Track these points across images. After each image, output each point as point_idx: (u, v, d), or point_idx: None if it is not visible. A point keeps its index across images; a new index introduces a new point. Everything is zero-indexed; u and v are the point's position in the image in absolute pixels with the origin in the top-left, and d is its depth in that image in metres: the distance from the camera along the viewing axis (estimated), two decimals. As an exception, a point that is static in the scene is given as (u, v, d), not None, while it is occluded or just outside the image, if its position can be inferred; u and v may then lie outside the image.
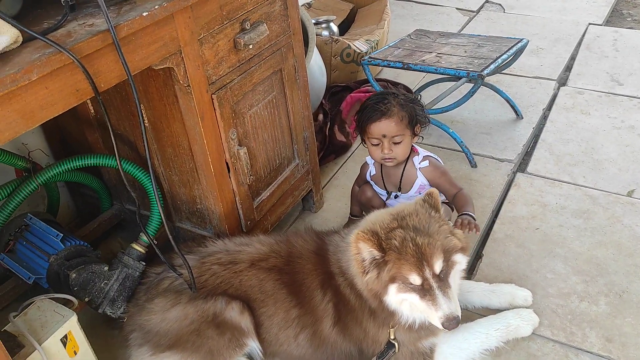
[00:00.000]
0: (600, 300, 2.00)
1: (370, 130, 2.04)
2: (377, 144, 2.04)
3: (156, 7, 1.44)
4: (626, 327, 1.90)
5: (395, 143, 2.02)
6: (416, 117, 2.05)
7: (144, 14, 1.42)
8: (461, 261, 1.63)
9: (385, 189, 2.20)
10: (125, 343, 1.87)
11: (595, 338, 1.87)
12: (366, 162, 2.25)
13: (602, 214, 2.37)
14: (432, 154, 2.17)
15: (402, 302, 1.61)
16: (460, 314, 1.56)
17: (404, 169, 2.12)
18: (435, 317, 1.56)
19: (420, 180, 2.11)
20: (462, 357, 1.82)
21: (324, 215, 2.55)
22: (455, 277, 1.63)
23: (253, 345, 1.80)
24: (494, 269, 2.16)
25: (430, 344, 1.77)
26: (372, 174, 2.22)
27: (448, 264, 1.58)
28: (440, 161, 2.18)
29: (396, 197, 2.18)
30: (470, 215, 1.90)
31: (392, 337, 1.73)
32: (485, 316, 1.91)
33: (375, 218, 1.66)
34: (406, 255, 1.53)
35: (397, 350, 1.74)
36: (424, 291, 1.55)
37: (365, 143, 2.13)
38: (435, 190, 1.67)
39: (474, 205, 1.99)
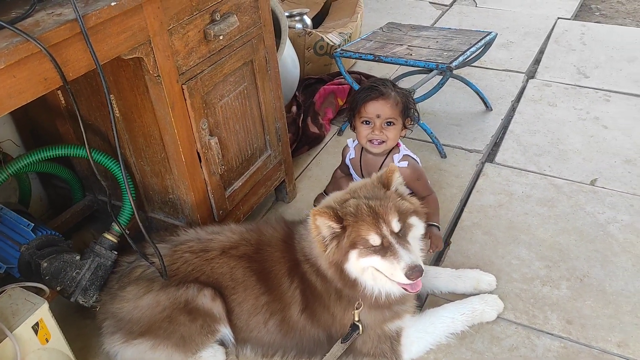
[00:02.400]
0: (562, 285, 2.08)
1: (366, 109, 2.06)
2: (369, 124, 2.07)
3: (124, -4, 1.46)
4: (586, 310, 1.98)
5: (388, 124, 2.05)
6: (409, 109, 2.10)
7: (112, 3, 1.43)
8: (417, 225, 1.69)
9: (362, 176, 2.22)
10: (98, 332, 1.89)
11: (556, 320, 1.95)
12: (347, 145, 2.28)
13: (566, 202, 2.45)
14: (412, 154, 2.18)
15: (364, 270, 1.65)
16: (422, 265, 1.60)
17: (383, 161, 2.15)
18: (398, 271, 1.58)
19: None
20: (429, 340, 1.87)
21: (297, 206, 2.58)
22: (415, 242, 1.68)
23: (225, 331, 1.84)
24: (461, 255, 2.22)
25: (397, 328, 1.83)
26: (351, 157, 2.24)
27: (405, 226, 1.64)
28: (419, 162, 2.20)
29: None
30: (437, 227, 2.08)
31: (356, 318, 1.78)
32: (451, 301, 1.97)
33: (330, 197, 1.77)
34: (362, 216, 1.60)
35: (361, 332, 1.79)
36: (385, 250, 1.60)
37: (353, 125, 2.15)
38: (393, 166, 1.72)
39: (440, 208, 2.17)
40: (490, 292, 2.02)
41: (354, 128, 2.17)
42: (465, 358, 1.85)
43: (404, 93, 2.10)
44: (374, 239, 1.59)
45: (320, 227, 1.63)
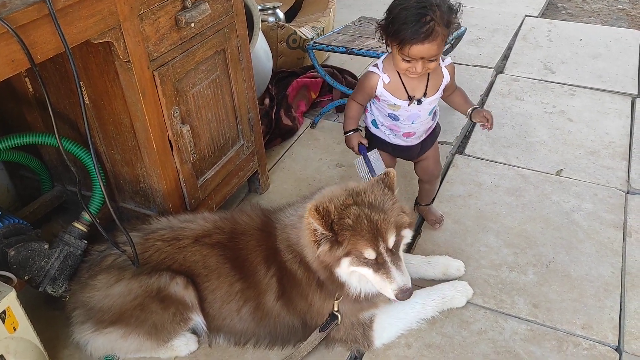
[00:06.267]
0: (529, 270, 2.13)
1: (409, 51, 1.79)
2: (409, 61, 1.83)
3: (94, -21, 1.45)
4: (551, 294, 2.03)
5: (430, 61, 1.83)
6: (452, 29, 1.84)
7: (82, -14, 1.42)
8: (407, 236, 1.70)
9: (408, 95, 1.96)
10: (67, 321, 1.86)
11: (523, 304, 2.00)
12: (373, 72, 1.98)
13: (533, 191, 2.51)
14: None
15: (353, 273, 1.66)
16: (411, 285, 1.63)
17: (428, 77, 1.96)
18: (389, 290, 1.62)
19: (446, 79, 2.00)
20: (400, 326, 1.90)
21: (270, 197, 2.59)
22: (403, 256, 1.69)
23: (197, 319, 1.83)
24: (431, 243, 2.26)
25: (370, 315, 1.85)
26: (386, 83, 1.95)
27: (398, 239, 1.64)
28: None
29: (419, 102, 1.97)
30: (481, 108, 2.04)
31: (335, 309, 1.80)
32: (422, 287, 2.00)
33: (331, 194, 1.68)
34: (362, 231, 1.57)
35: (339, 322, 1.81)
36: (378, 265, 1.61)
37: (389, 47, 1.89)
38: (392, 171, 1.70)
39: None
40: (459, 278, 2.07)
41: (387, 46, 1.89)
42: (436, 342, 1.88)
43: (447, 13, 1.78)
44: (370, 254, 1.60)
45: (313, 226, 1.61)
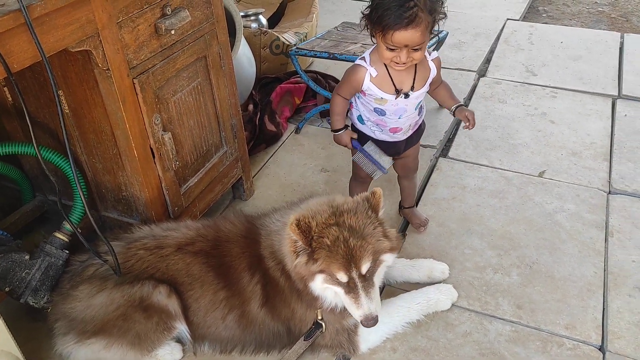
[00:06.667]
0: (513, 272, 2.14)
1: (392, 38, 1.74)
2: (394, 50, 1.79)
3: (71, -13, 1.44)
4: (535, 295, 2.05)
5: (414, 50, 1.78)
6: (437, 21, 1.80)
7: (58, -6, 1.41)
8: (388, 259, 1.69)
9: (395, 89, 1.92)
10: (49, 333, 1.84)
11: (507, 306, 2.01)
12: (360, 65, 1.93)
13: (516, 193, 2.53)
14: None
15: (327, 289, 1.67)
16: (379, 313, 1.64)
17: (415, 69, 1.92)
18: (356, 314, 1.64)
19: (433, 73, 1.97)
20: (385, 330, 1.90)
21: (255, 203, 2.58)
22: (381, 273, 1.70)
23: (181, 328, 1.82)
24: (416, 247, 2.27)
25: (355, 321, 1.85)
26: (373, 76, 1.91)
27: (375, 264, 1.64)
28: None
29: (407, 96, 1.94)
30: (462, 104, 2.04)
31: (319, 317, 1.79)
32: (407, 291, 2.01)
33: (316, 209, 1.67)
34: (337, 255, 1.58)
35: (324, 330, 1.81)
36: (349, 288, 1.62)
37: (372, 35, 1.85)
38: (379, 191, 1.67)
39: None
40: (444, 280, 2.08)
41: (372, 36, 1.86)
42: (421, 345, 1.88)
43: (432, 5, 1.75)
44: (342, 277, 1.60)
45: (293, 237, 1.61)
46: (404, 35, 1.73)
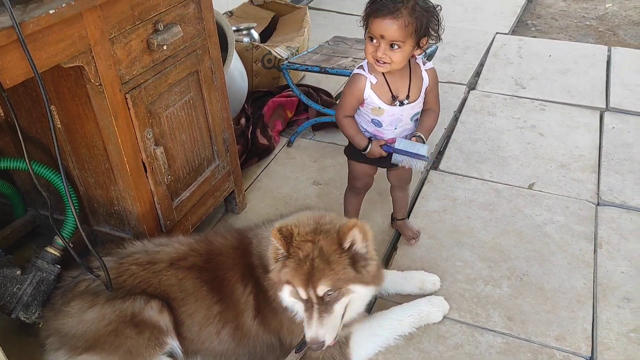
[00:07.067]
0: (503, 284, 2.16)
1: (371, 25, 1.81)
2: (373, 41, 1.83)
3: (63, 5, 1.45)
4: (525, 306, 2.06)
5: (392, 47, 1.80)
6: (425, 29, 1.82)
7: (51, 11, 1.42)
8: (359, 292, 1.66)
9: (392, 95, 1.94)
10: (41, 349, 1.83)
11: (498, 317, 2.02)
12: (359, 73, 1.96)
13: (506, 205, 2.56)
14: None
15: (294, 302, 1.69)
16: (328, 340, 1.63)
17: (410, 70, 1.95)
18: (306, 333, 1.65)
19: (425, 82, 1.98)
20: (377, 343, 1.91)
21: (247, 217, 2.59)
22: (352, 304, 1.69)
23: (173, 343, 1.81)
24: (407, 259, 2.28)
25: (346, 333, 1.85)
26: (373, 84, 1.93)
27: (340, 292, 1.62)
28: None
29: (401, 104, 1.96)
30: (421, 137, 1.98)
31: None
32: (399, 303, 2.02)
33: (302, 220, 1.68)
34: (301, 270, 1.60)
35: None
36: (307, 306, 1.64)
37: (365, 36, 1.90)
38: (351, 224, 1.59)
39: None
40: (435, 292, 2.09)
41: (365, 33, 1.90)
42: (413, 358, 1.89)
43: (423, 11, 1.78)
44: (301, 293, 1.62)
45: (275, 244, 1.63)
46: (380, 24, 1.77)
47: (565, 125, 3.14)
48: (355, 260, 1.63)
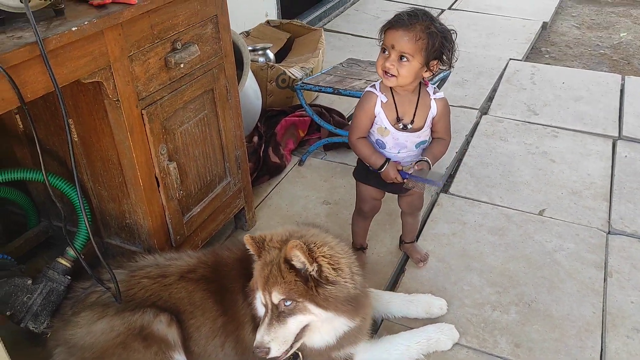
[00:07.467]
0: (511, 309, 2.14)
1: (385, 37, 1.87)
2: (385, 52, 1.88)
3: (86, 22, 1.50)
4: (533, 334, 2.04)
5: (401, 59, 1.83)
6: (437, 51, 1.84)
7: (73, 29, 1.47)
8: (318, 315, 1.63)
9: (397, 116, 1.97)
10: (49, 359, 1.84)
11: (505, 344, 2.01)
12: (371, 91, 1.99)
13: (516, 230, 2.55)
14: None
15: (262, 309, 1.71)
16: (274, 350, 1.61)
17: (418, 96, 1.97)
18: (256, 336, 1.66)
19: (433, 112, 1.99)
20: (383, 367, 1.90)
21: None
22: (313, 329, 1.68)
23: (180, 359, 1.82)
24: (415, 282, 2.28)
25: (347, 355, 1.84)
26: (383, 102, 1.96)
27: (296, 306, 1.62)
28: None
29: (404, 128, 1.98)
30: (427, 162, 1.98)
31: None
32: (405, 325, 2.01)
33: (281, 230, 1.75)
34: (262, 273, 1.64)
35: (301, 359, 1.81)
36: (265, 312, 1.66)
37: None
38: (292, 244, 1.57)
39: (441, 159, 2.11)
40: (442, 316, 2.08)
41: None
42: (418, 382, 1.88)
43: (437, 31, 1.82)
44: (260, 296, 1.66)
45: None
46: (393, 35, 1.83)
47: (577, 153, 3.13)
48: (306, 278, 1.62)
